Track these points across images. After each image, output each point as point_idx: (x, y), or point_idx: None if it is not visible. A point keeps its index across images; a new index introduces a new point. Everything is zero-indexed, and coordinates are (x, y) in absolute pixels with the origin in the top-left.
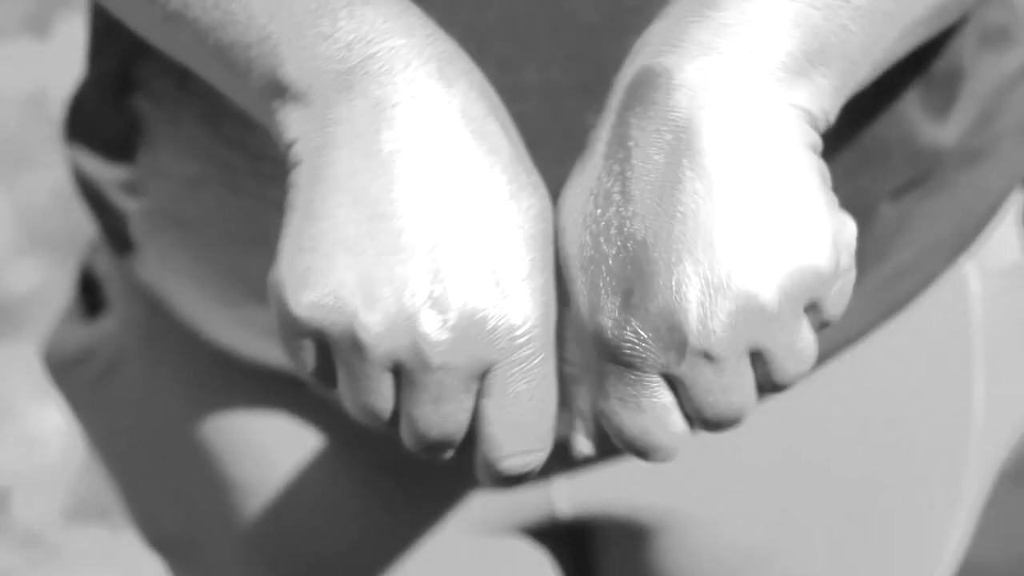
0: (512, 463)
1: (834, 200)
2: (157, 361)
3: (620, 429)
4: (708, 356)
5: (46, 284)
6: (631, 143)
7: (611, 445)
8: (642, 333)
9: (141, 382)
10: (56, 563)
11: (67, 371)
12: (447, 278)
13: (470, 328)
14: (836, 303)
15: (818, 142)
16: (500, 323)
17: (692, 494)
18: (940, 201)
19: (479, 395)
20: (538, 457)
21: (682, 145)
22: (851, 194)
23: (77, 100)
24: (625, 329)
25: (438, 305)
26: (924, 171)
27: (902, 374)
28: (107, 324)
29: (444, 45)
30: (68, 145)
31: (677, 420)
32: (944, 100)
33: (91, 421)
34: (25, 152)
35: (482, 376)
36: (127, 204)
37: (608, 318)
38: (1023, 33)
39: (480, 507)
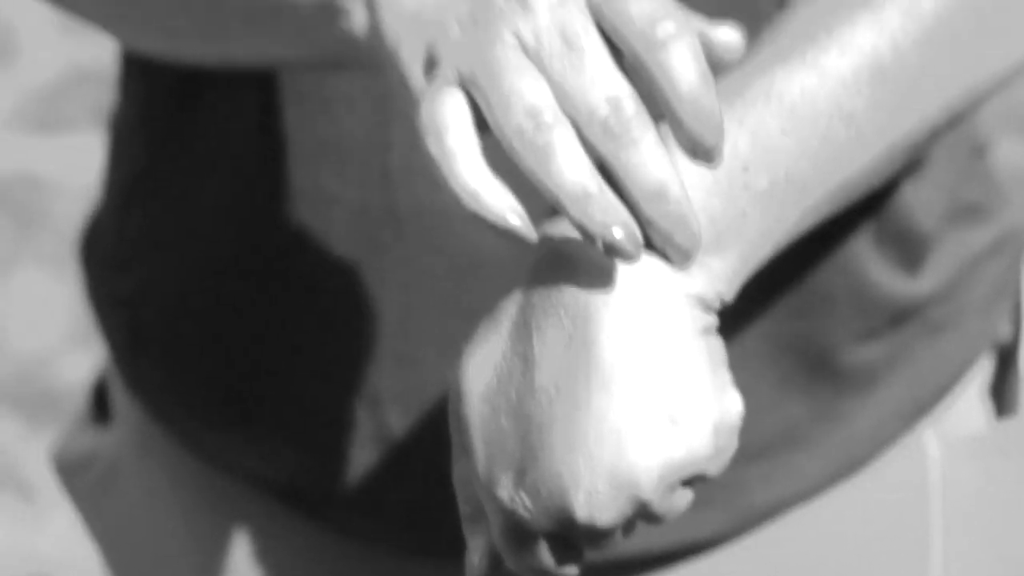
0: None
1: (723, 381)
2: (150, 468)
3: (517, 567)
4: (592, 530)
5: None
6: (533, 327)
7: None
8: (532, 508)
9: (135, 487)
10: None
11: (73, 474)
12: None
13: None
14: (715, 471)
15: (712, 323)
16: None
17: None
18: (901, 368)
19: None
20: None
21: (579, 335)
22: (799, 336)
23: (92, 216)
24: (517, 503)
25: None
26: (883, 324)
27: (857, 535)
28: (111, 432)
29: None
30: (80, 260)
31: (569, 568)
32: (907, 260)
33: (93, 524)
34: None
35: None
36: (126, 315)
37: (503, 490)
38: (998, 209)
39: None
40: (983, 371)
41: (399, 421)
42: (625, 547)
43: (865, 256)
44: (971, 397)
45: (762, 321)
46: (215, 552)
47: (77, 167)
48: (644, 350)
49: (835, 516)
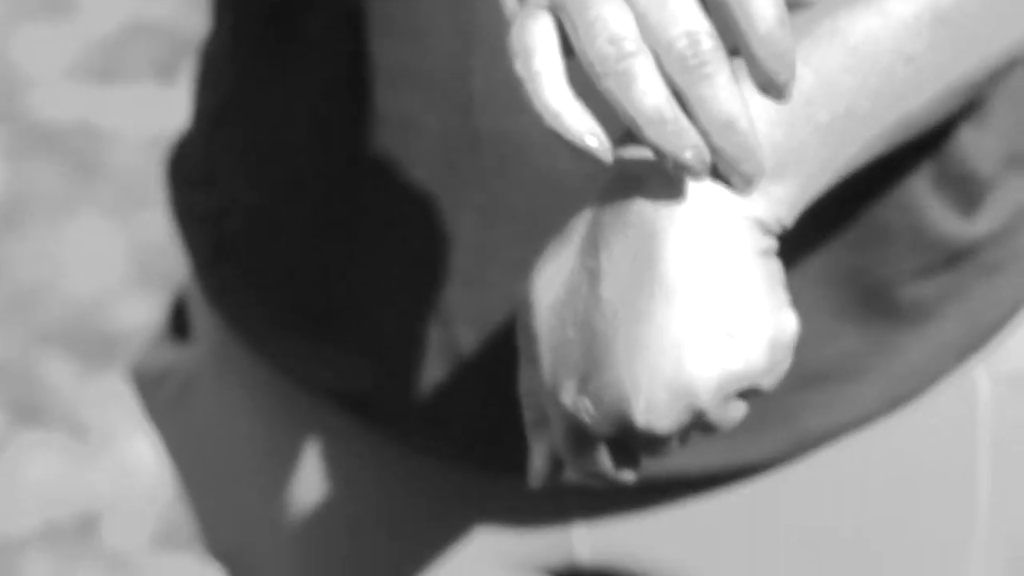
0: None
1: (780, 300)
2: (226, 382)
3: (578, 470)
4: (650, 436)
5: (154, 320)
6: (602, 243)
7: (565, 478)
8: (594, 413)
9: (212, 400)
10: None
11: (150, 389)
12: None
13: None
14: (769, 385)
15: (772, 245)
16: None
17: (704, 558)
18: (955, 305)
19: None
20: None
21: (645, 251)
22: (857, 269)
23: (180, 140)
24: (579, 408)
25: None
26: (938, 262)
27: (906, 467)
28: (190, 348)
29: None
30: (167, 177)
31: (625, 471)
32: (964, 202)
33: (168, 437)
34: (144, 191)
35: None
36: (208, 230)
37: (567, 395)
38: None
39: (503, 544)
40: None
41: (469, 340)
42: (684, 466)
43: (924, 196)
44: (1021, 337)
45: (822, 253)
46: (287, 462)
47: (135, 117)
48: (706, 267)
49: (886, 446)
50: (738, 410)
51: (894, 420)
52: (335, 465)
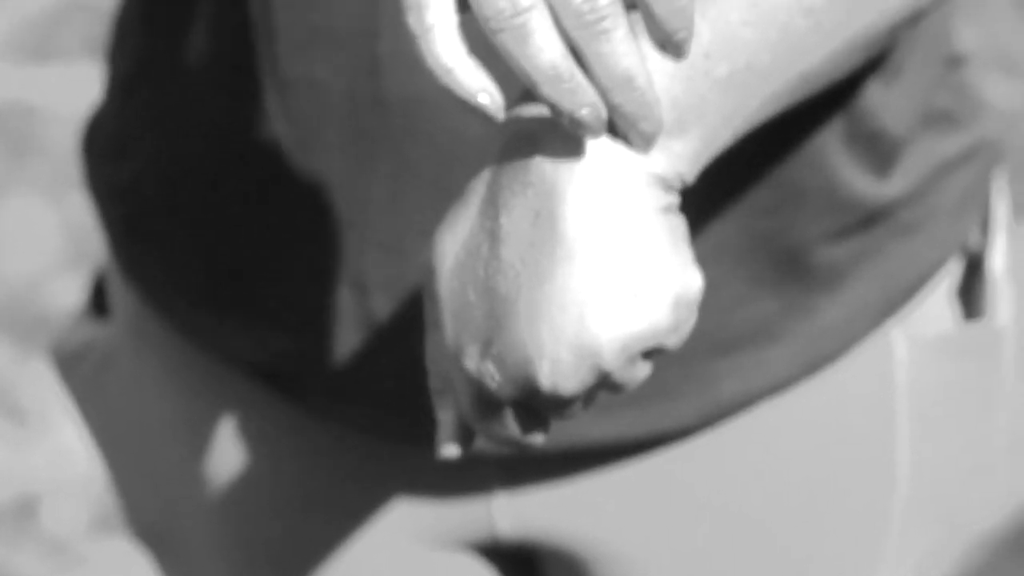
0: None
1: (684, 258)
2: (143, 357)
3: (486, 436)
4: (555, 398)
5: None
6: (501, 204)
7: (473, 446)
8: (498, 377)
9: (129, 377)
10: (80, 572)
11: (69, 365)
12: None
13: None
14: (675, 344)
15: (673, 202)
16: None
17: (623, 531)
18: (869, 266)
19: None
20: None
21: (545, 211)
22: (770, 232)
23: (94, 113)
24: (484, 372)
25: None
26: (852, 224)
27: (824, 431)
28: (109, 323)
29: None
30: (81, 152)
31: (534, 434)
32: (877, 162)
33: (88, 415)
34: (77, 171)
35: None
36: (122, 203)
37: (470, 360)
38: (970, 117)
39: (423, 517)
40: (951, 275)
41: (384, 307)
42: (601, 435)
43: (835, 156)
44: (939, 299)
45: (734, 217)
46: (206, 438)
47: (70, 95)
48: (607, 225)
49: (804, 411)
50: (643, 369)
51: (811, 385)
52: (254, 439)
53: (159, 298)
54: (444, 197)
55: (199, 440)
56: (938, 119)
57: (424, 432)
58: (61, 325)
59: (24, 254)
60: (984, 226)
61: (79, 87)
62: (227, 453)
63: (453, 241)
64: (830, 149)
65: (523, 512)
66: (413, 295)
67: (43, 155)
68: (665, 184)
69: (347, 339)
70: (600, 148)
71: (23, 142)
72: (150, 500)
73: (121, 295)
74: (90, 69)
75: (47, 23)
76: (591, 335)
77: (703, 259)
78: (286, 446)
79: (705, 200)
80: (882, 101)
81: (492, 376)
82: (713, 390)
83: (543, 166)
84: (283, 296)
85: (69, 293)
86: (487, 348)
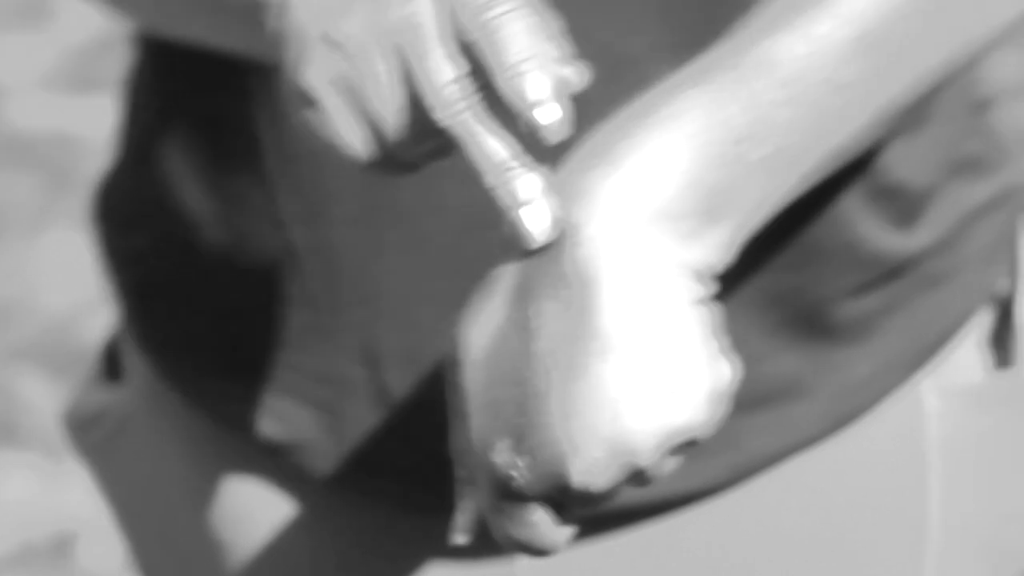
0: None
1: (715, 350)
2: (158, 423)
3: (508, 537)
4: (585, 495)
5: None
6: (531, 295)
7: (491, 540)
8: (528, 474)
9: (144, 443)
10: None
11: (83, 431)
12: None
13: None
14: (706, 436)
15: (704, 293)
16: None
17: None
18: (897, 319)
19: None
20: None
21: (578, 303)
22: (792, 289)
23: (105, 178)
24: (513, 469)
25: None
26: (878, 279)
27: (854, 485)
28: (122, 390)
29: None
30: (93, 217)
31: (560, 531)
32: (900, 215)
33: (102, 480)
34: None
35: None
36: (132, 273)
37: (499, 456)
38: (998, 163)
39: None
40: (981, 324)
41: (398, 380)
42: (627, 497)
43: (857, 213)
44: (969, 349)
45: (755, 276)
46: (219, 501)
47: (109, 126)
48: (640, 319)
49: (832, 467)
50: (673, 463)
51: (840, 439)
52: (269, 507)
53: (171, 370)
54: (457, 268)
55: (214, 507)
56: (965, 167)
57: (443, 503)
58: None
59: (62, 288)
60: (1013, 272)
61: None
62: (243, 521)
63: (479, 333)
64: (851, 206)
65: (546, 573)
66: (428, 368)
67: (83, 187)
68: (698, 275)
69: (361, 412)
70: (633, 239)
71: (63, 174)
72: (166, 565)
73: (134, 361)
74: None
75: (89, 54)
76: (627, 433)
77: (725, 315)
78: (303, 515)
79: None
80: (904, 154)
81: (521, 472)
82: (741, 448)
83: (576, 257)
84: (296, 369)
85: (106, 328)
86: (518, 443)
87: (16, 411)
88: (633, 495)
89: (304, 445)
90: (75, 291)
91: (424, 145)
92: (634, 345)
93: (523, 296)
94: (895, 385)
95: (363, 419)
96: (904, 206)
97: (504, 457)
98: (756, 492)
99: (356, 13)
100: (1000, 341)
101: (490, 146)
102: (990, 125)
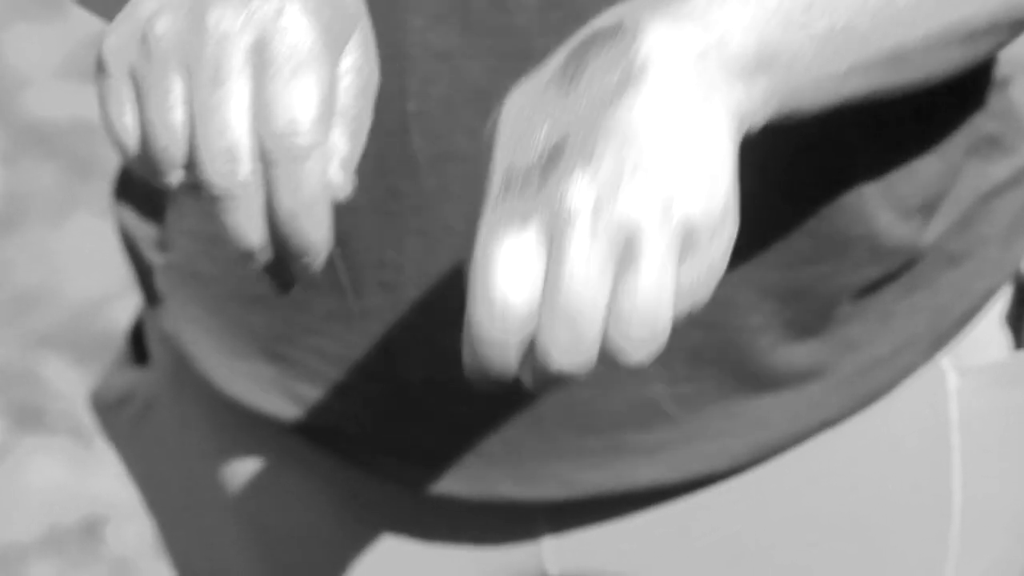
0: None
1: (734, 185)
2: (183, 405)
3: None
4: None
5: None
6: (585, 64)
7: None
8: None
9: (170, 424)
10: None
11: (110, 413)
12: None
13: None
14: (705, 267)
15: (738, 136)
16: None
17: (673, 568)
18: (917, 299)
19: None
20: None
21: (629, 80)
22: (813, 279)
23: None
24: (533, 178)
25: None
26: (896, 270)
27: (877, 464)
28: (148, 372)
29: None
30: (115, 202)
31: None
32: (921, 204)
33: (130, 461)
34: None
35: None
36: (156, 259)
37: (523, 162)
38: (1015, 142)
39: (472, 561)
40: (1002, 302)
41: (417, 366)
42: (645, 478)
43: (875, 201)
44: (990, 327)
45: (774, 265)
46: (245, 480)
47: None
48: (683, 108)
49: (855, 446)
50: (669, 269)
51: (862, 418)
52: (296, 485)
53: (195, 352)
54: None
55: (240, 486)
56: (983, 146)
57: (469, 483)
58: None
59: (87, 274)
60: None
61: None
62: (272, 499)
63: (525, 90)
64: (869, 194)
65: (572, 554)
66: (446, 352)
67: (104, 175)
68: (738, 118)
69: (383, 397)
70: (687, 58)
71: (84, 162)
72: (194, 544)
73: (160, 344)
74: None
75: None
76: (654, 167)
77: (744, 305)
78: (328, 494)
79: (744, 247)
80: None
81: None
82: (762, 428)
83: (637, 46)
84: (314, 354)
85: (130, 314)
86: (552, 160)
87: (43, 396)
88: (650, 476)
89: (327, 428)
90: (99, 277)
91: (190, 175)
92: (670, 123)
93: (571, 66)
94: (916, 364)
95: (385, 403)
96: (917, 193)
97: (529, 163)
98: (778, 471)
99: (178, 15)
100: (1020, 320)
101: (238, 227)
102: (1009, 102)
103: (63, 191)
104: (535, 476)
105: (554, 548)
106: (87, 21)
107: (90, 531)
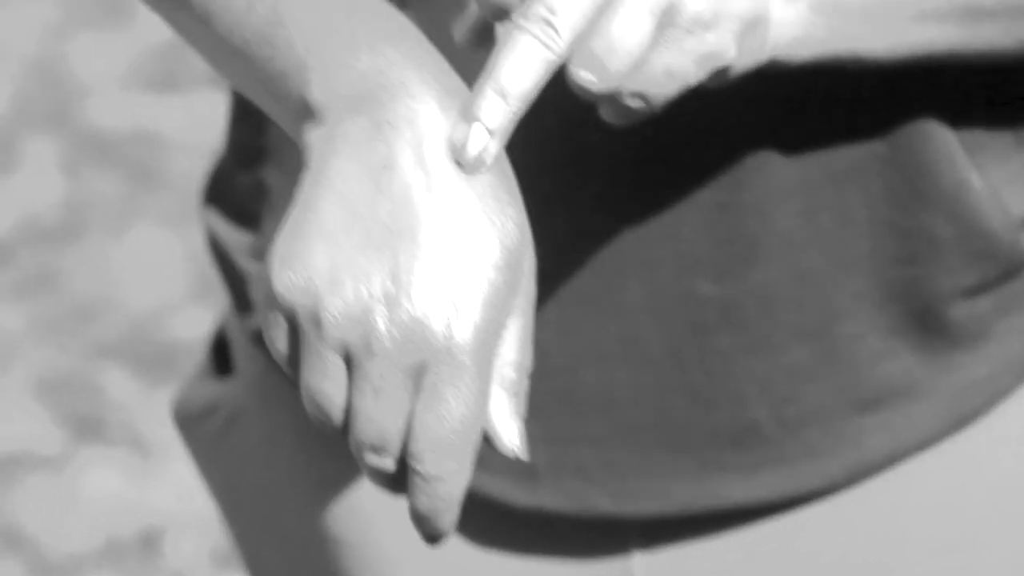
0: (424, 464)
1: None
2: (271, 416)
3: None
4: None
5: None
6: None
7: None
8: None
9: (256, 436)
10: None
11: (193, 424)
12: (404, 280)
13: (414, 327)
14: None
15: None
16: (442, 330)
17: None
18: (1014, 321)
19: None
20: (449, 468)
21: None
22: (907, 283)
23: (216, 167)
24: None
25: (390, 301)
26: (993, 279)
27: (972, 486)
28: (233, 382)
29: (452, 81)
30: (204, 209)
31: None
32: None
33: (212, 473)
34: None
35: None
36: (249, 266)
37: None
38: None
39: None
40: None
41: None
42: (740, 496)
43: (984, 202)
44: None
45: (869, 268)
46: (334, 494)
47: (193, 124)
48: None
49: (951, 467)
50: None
51: (958, 439)
52: (381, 502)
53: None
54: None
55: (327, 500)
56: None
57: (561, 496)
58: (195, 359)
59: (148, 285)
60: None
61: (203, 117)
62: (355, 515)
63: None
64: (969, 197)
65: (663, 572)
66: (537, 370)
67: (167, 185)
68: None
69: None
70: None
71: (147, 172)
72: (275, 560)
73: (245, 353)
74: (214, 99)
75: (172, 53)
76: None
77: (839, 312)
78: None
79: (839, 250)
80: None
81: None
82: (859, 447)
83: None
84: None
85: (193, 325)
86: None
87: (103, 407)
88: (748, 494)
89: None
90: (160, 288)
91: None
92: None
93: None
94: (1013, 386)
95: None
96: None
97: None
98: (874, 492)
99: (355, 300)
100: None
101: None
102: None
103: (124, 201)
104: (629, 492)
105: (645, 565)
106: (151, 31)
107: (148, 543)
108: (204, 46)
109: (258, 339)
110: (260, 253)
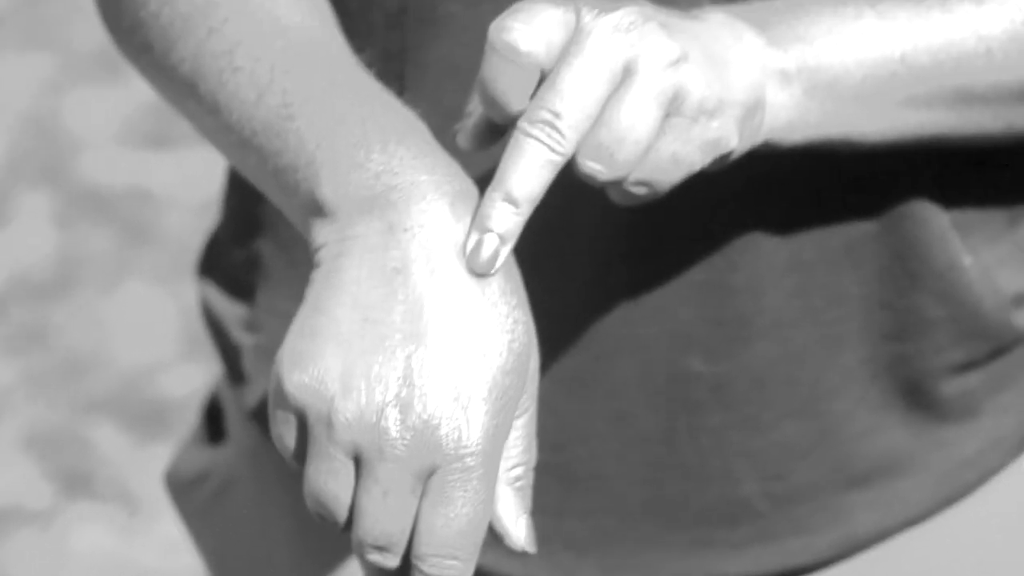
0: (430, 565)
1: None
2: (263, 484)
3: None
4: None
5: (203, 390)
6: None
7: None
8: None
9: (249, 504)
10: None
11: (185, 491)
12: (417, 385)
13: (425, 431)
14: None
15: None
16: (452, 433)
17: None
18: (1004, 398)
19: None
20: (455, 568)
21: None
22: (897, 359)
23: (212, 238)
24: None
25: (403, 406)
26: (982, 357)
27: (963, 563)
28: (226, 450)
29: (462, 184)
30: (199, 279)
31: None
32: (1015, 295)
33: (203, 540)
34: (195, 258)
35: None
36: (243, 339)
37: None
38: None
39: None
40: None
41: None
42: (732, 571)
43: (964, 285)
44: None
45: (859, 343)
46: (328, 562)
47: (187, 181)
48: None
49: (941, 543)
50: None
51: (948, 515)
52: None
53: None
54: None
55: (320, 571)
56: None
57: (549, 573)
58: (185, 416)
59: (139, 342)
60: None
61: (197, 174)
62: None
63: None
64: (961, 276)
65: None
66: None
67: (160, 242)
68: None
69: None
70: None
71: (138, 228)
72: None
73: (238, 422)
74: (208, 156)
75: (164, 109)
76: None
77: (829, 389)
78: None
79: (830, 328)
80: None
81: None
82: (849, 523)
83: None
84: None
85: (184, 382)
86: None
87: (92, 463)
88: (735, 569)
89: None
90: (151, 344)
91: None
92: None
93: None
94: (1004, 463)
95: None
96: (1016, 284)
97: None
98: (863, 568)
99: (367, 405)
100: None
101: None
102: None
103: (117, 257)
104: (620, 565)
105: None
106: (146, 88)
107: None
108: (213, 135)
109: (253, 414)
110: (254, 325)
